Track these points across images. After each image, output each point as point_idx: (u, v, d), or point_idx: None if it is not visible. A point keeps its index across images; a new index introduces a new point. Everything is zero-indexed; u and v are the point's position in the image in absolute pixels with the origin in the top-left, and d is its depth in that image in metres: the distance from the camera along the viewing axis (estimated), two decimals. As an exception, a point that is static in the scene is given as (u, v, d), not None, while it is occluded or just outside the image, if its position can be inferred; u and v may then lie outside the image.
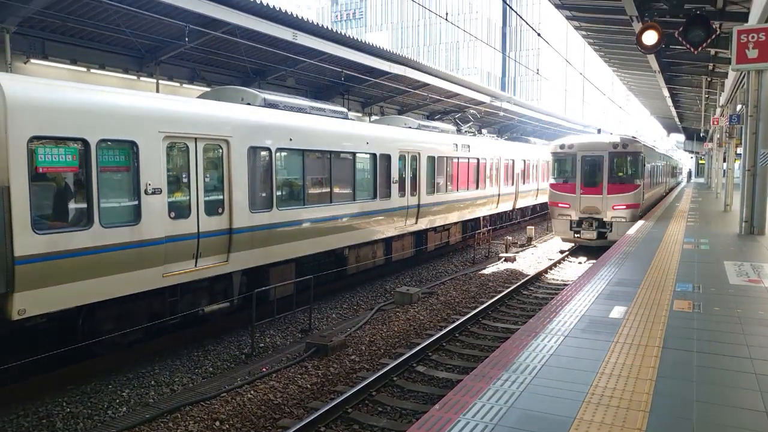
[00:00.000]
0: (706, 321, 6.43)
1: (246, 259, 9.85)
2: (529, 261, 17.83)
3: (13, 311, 6.67)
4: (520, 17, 16.04)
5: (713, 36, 9.50)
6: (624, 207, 17.84)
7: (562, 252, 19.09)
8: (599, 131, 23.09)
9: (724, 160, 25.76)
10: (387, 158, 14.14)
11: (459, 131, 20.28)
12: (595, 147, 18.32)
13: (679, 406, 4.22)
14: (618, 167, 18.26)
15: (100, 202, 7.50)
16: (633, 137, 19.90)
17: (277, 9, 12.90)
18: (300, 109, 11.79)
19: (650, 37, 9.79)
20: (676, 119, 39.15)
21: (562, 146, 18.88)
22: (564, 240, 19.29)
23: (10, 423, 6.82)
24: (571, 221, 18.49)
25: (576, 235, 18.51)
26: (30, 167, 6.75)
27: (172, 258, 8.45)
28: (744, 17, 11.33)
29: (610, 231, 17.92)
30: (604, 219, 18.01)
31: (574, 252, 19.08)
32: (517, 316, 11.62)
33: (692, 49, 9.62)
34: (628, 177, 18.18)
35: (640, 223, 16.91)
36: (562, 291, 8.16)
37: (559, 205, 18.81)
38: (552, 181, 19.24)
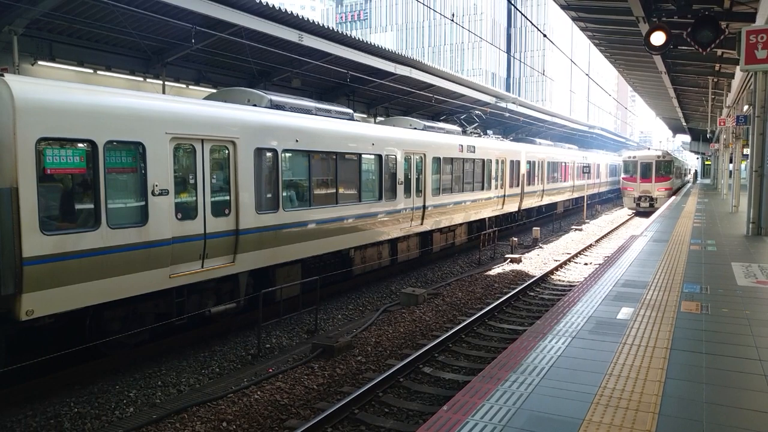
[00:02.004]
0: (715, 322, 6.40)
1: (252, 260, 9.86)
2: (535, 262, 17.80)
3: (22, 312, 6.69)
4: (526, 18, 16.02)
5: (722, 37, 9.47)
6: (664, 189, 31.94)
7: (568, 253, 19.07)
8: (649, 148, 38.65)
9: (731, 161, 25.64)
10: (392, 159, 14.14)
11: (464, 132, 20.26)
12: (648, 157, 32.65)
13: (689, 407, 4.20)
14: (660, 168, 32.14)
15: (108, 203, 7.52)
16: (668, 152, 34.64)
17: (283, 10, 12.92)
18: (306, 111, 11.81)
19: (658, 38, 9.77)
20: (682, 120, 39.01)
21: (629, 157, 33.55)
22: (629, 209, 33.82)
23: (19, 423, 6.85)
24: (634, 198, 32.68)
25: (637, 206, 32.47)
26: (38, 168, 6.77)
27: (178, 259, 8.47)
28: (751, 18, 11.29)
29: (656, 202, 31.60)
30: (653, 196, 31.99)
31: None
32: (523, 317, 11.59)
33: (701, 50, 9.59)
34: (665, 173, 32.28)
35: (672, 198, 29.75)
36: (569, 292, 8.14)
37: (627, 189, 33.22)
38: (623, 175, 33.68)
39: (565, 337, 5.95)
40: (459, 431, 3.89)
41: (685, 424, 3.94)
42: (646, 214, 30.73)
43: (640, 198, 32.15)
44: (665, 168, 32.22)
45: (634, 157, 33.07)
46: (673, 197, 30.11)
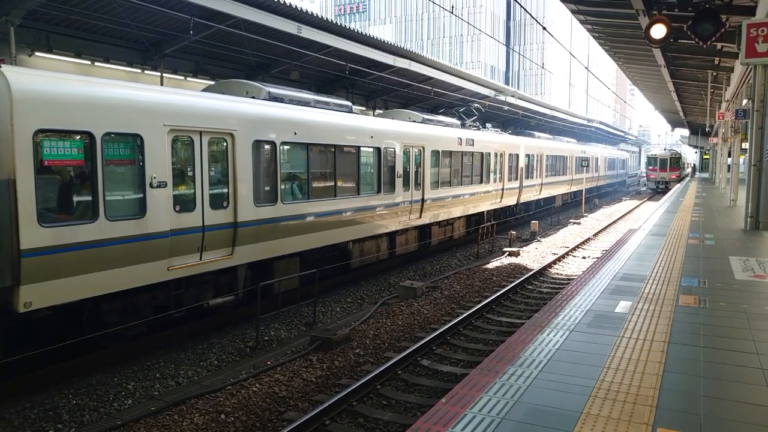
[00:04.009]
0: (713, 316, 6.42)
1: (251, 253, 9.85)
2: (533, 255, 17.82)
3: (20, 304, 6.69)
4: (525, 10, 15.97)
5: (722, 30, 9.43)
6: (675, 176, 45.61)
7: (566, 247, 19.10)
8: (665, 149, 55.91)
9: (729, 155, 25.65)
10: (391, 152, 14.12)
11: (463, 125, 20.23)
12: (664, 154, 47.28)
13: (687, 400, 4.21)
14: (672, 162, 46.07)
15: (106, 195, 7.50)
16: (677, 151, 50.72)
17: (281, 2, 12.84)
18: (304, 103, 11.77)
19: (658, 31, 9.73)
20: (681, 114, 38.98)
21: (651, 155, 48.69)
22: (651, 189, 48.64)
23: (17, 415, 6.85)
24: (655, 181, 47.10)
25: (656, 187, 46.51)
26: (36, 160, 6.74)
27: (177, 251, 8.46)
28: (751, 11, 11.25)
29: (669, 184, 44.41)
30: (667, 180, 45.63)
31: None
32: (521, 310, 11.61)
33: (701, 43, 9.56)
34: (675, 165, 46.21)
35: (678, 184, 40.84)
36: (568, 286, 8.15)
37: (650, 175, 48.17)
38: (648, 166, 49.40)
39: (564, 330, 5.96)
40: (457, 423, 3.90)
41: (682, 417, 3.95)
42: (662, 192, 43.28)
43: (658, 182, 46.85)
44: (675, 162, 46.94)
45: (655, 154, 48.93)
46: (680, 182, 43.61)
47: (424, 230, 16.66)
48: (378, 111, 22.70)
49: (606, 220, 27.99)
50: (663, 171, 46.20)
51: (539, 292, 13.10)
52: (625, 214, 30.21)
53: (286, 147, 10.78)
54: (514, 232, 20.57)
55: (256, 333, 9.59)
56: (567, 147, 32.67)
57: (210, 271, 9.24)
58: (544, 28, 16.22)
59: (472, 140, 18.87)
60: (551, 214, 29.19)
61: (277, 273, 10.72)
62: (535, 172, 26.13)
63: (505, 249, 18.26)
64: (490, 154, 20.39)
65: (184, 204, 8.62)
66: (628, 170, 64.89)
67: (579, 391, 4.40)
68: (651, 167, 48.21)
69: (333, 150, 12.01)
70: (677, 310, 6.64)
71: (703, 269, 9.07)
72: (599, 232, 23.00)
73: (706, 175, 56.44)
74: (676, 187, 36.47)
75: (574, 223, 26.61)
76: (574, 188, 34.13)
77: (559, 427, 3.82)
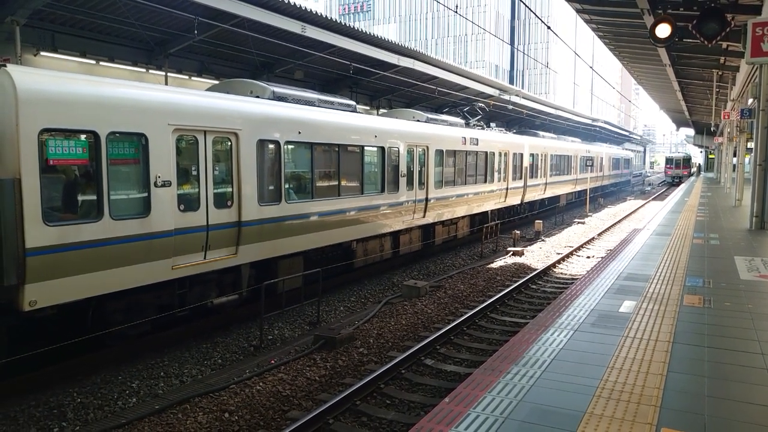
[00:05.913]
0: (717, 316, 6.40)
1: (255, 252, 9.86)
2: (537, 255, 17.78)
3: (25, 302, 6.72)
4: (529, 9, 15.93)
5: (727, 29, 9.39)
6: (686, 172, 60.53)
7: (571, 246, 19.06)
8: (678, 152, 73.58)
9: (735, 155, 25.56)
10: (395, 151, 14.11)
11: (467, 124, 20.20)
12: (678, 155, 64.10)
13: (691, 401, 4.20)
14: (684, 161, 61.48)
15: (110, 194, 7.52)
16: (688, 153, 70.07)
17: (286, 1, 12.86)
18: (308, 102, 11.78)
19: (663, 30, 9.69)
20: (686, 113, 38.85)
21: (668, 156, 65.80)
22: (667, 182, 62.79)
23: (22, 413, 6.88)
24: (671, 176, 61.10)
25: (672, 180, 60.23)
26: (41, 159, 6.77)
27: (181, 250, 8.48)
28: (757, 10, 11.20)
29: (682, 179, 57.12)
30: (680, 175, 59.65)
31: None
32: (525, 310, 11.59)
33: (706, 42, 9.51)
34: (687, 165, 61.43)
35: (691, 179, 53.96)
36: (572, 285, 8.13)
37: (668, 172, 62.78)
38: (666, 165, 63.85)
39: (567, 330, 5.95)
40: (460, 423, 3.90)
41: (686, 417, 3.94)
42: (676, 185, 53.87)
43: (674, 176, 59.76)
44: (686, 162, 60.95)
45: (672, 156, 63.12)
46: (689, 177, 57.06)
47: (427, 230, 16.65)
48: (382, 110, 22.69)
49: (610, 219, 27.91)
50: (677, 168, 61.40)
51: (543, 292, 13.07)
52: (630, 214, 30.12)
53: (290, 146, 10.79)
54: (518, 232, 20.53)
55: (259, 332, 9.61)
56: (571, 146, 32.60)
57: (214, 270, 9.26)
58: (549, 27, 16.19)
59: (476, 139, 18.85)
60: (556, 213, 29.13)
61: (280, 272, 10.73)
62: (539, 171, 26.08)
63: (509, 248, 18.23)
64: (494, 153, 20.36)
65: (188, 203, 8.64)
66: (633, 170, 66.06)
67: (583, 391, 4.39)
68: (668, 165, 63.65)
69: (337, 149, 12.01)
70: (682, 310, 6.62)
71: (708, 269, 9.04)
72: (603, 231, 22.94)
73: (711, 174, 56.43)
74: (682, 186, 40.06)
75: (579, 222, 26.54)
76: (578, 188, 34.06)
77: (562, 427, 3.81)
